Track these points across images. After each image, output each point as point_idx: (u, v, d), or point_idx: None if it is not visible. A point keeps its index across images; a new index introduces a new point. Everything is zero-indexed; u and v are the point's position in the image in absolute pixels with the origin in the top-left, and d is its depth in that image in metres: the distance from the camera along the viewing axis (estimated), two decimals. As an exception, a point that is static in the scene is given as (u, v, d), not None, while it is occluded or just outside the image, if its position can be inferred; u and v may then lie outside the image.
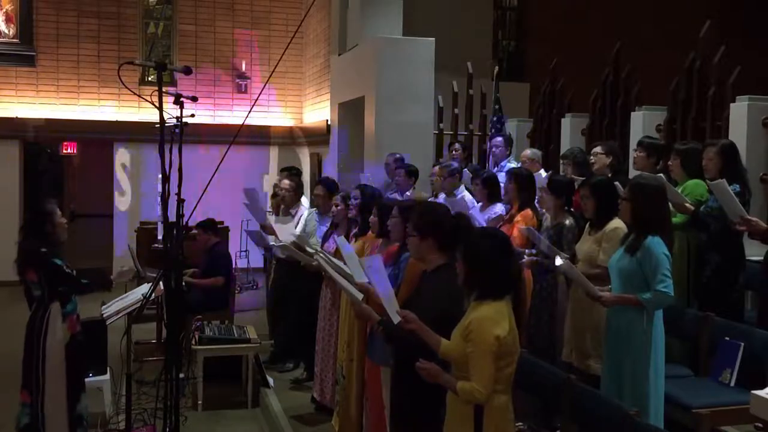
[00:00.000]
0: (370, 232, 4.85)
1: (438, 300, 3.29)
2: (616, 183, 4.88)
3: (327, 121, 11.02)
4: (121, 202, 12.28)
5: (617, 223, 4.32)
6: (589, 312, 4.30)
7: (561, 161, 6.21)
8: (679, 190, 4.90)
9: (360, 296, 3.73)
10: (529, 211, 5.32)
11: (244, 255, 11.61)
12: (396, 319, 3.21)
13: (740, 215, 4.25)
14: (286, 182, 6.99)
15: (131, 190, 12.20)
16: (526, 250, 4.87)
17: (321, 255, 4.68)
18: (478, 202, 6.04)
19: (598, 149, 5.71)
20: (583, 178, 4.92)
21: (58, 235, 4.83)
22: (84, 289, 4.95)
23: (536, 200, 5.53)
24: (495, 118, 8.59)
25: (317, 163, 11.84)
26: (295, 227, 6.53)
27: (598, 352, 4.29)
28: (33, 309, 4.76)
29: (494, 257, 3.02)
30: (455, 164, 6.81)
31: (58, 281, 4.72)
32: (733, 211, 4.28)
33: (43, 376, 4.66)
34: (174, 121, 4.01)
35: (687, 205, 4.74)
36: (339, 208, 5.50)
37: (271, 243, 6.89)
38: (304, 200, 7.19)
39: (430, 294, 3.38)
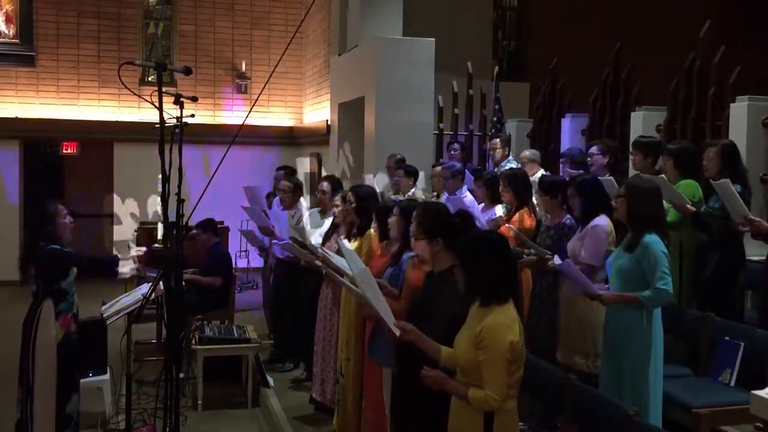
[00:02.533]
0: (368, 231, 4.85)
1: (451, 303, 3.24)
2: (611, 178, 4.89)
3: (327, 121, 11.02)
4: (121, 202, 12.28)
5: (599, 221, 4.37)
6: (574, 309, 4.33)
7: (560, 161, 6.22)
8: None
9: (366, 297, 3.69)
10: (526, 211, 5.32)
11: (244, 255, 11.61)
12: (396, 331, 3.18)
13: (744, 215, 4.25)
14: (284, 183, 6.98)
15: (131, 190, 12.20)
16: (525, 250, 4.86)
17: (323, 255, 4.68)
18: (479, 203, 6.04)
19: (594, 149, 5.73)
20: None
21: (61, 235, 4.82)
22: (86, 264, 4.92)
23: (535, 200, 5.53)
24: (495, 119, 8.60)
25: (317, 163, 11.84)
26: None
27: (584, 349, 4.31)
28: (29, 306, 4.76)
29: (494, 261, 2.98)
30: (458, 165, 6.81)
31: (57, 269, 4.72)
32: (737, 211, 4.27)
33: (33, 373, 4.65)
34: (174, 121, 4.01)
35: (688, 206, 4.74)
36: (340, 208, 5.49)
37: (271, 242, 6.88)
38: (303, 201, 7.18)
39: (442, 297, 3.33)
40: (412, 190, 7.01)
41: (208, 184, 4.26)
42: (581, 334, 4.37)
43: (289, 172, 7.59)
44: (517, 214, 5.33)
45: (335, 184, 6.22)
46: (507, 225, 5.03)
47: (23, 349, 4.73)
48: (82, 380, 5.19)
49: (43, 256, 4.69)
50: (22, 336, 4.74)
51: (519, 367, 2.95)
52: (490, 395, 2.85)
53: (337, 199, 5.55)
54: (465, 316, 3.06)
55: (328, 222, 5.95)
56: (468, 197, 6.33)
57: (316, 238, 5.89)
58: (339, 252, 4.58)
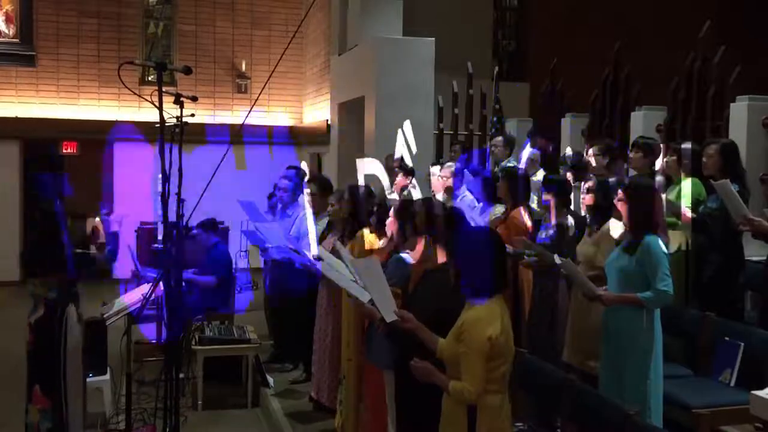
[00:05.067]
0: (359, 232, 4.83)
1: (438, 298, 3.26)
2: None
3: (327, 121, 11.02)
4: (121, 202, 12.27)
5: (613, 224, 4.34)
6: (589, 313, 4.30)
7: (560, 167, 6.22)
8: (677, 189, 4.91)
9: (367, 297, 3.70)
10: (521, 210, 5.30)
11: (245, 255, 11.59)
12: (391, 318, 3.19)
13: (743, 215, 4.25)
14: (284, 182, 7.00)
15: (131, 190, 12.19)
16: (527, 251, 4.86)
17: (322, 255, 4.68)
18: (478, 202, 6.03)
19: (593, 150, 5.73)
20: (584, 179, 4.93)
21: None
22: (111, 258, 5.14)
23: (531, 200, 5.52)
24: (495, 119, 8.60)
25: (317, 163, 11.84)
26: (291, 228, 6.52)
27: (599, 353, 4.29)
28: (44, 311, 4.72)
29: (483, 256, 2.99)
30: (457, 165, 6.80)
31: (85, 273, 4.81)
32: (737, 211, 4.27)
33: (65, 379, 4.65)
34: (174, 120, 4.00)
35: (684, 209, 4.74)
36: (335, 207, 5.48)
37: (267, 245, 6.87)
38: (303, 197, 7.16)
39: (430, 292, 3.35)
40: (409, 188, 7.00)
41: (208, 183, 4.26)
42: (597, 337, 4.33)
43: (301, 173, 7.57)
44: (511, 214, 5.30)
45: (323, 184, 6.22)
46: (516, 238, 5.00)
47: (43, 355, 4.67)
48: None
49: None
50: (41, 342, 4.70)
51: (503, 363, 2.96)
52: (466, 387, 2.89)
53: (332, 199, 5.55)
54: (456, 312, 3.08)
55: (322, 223, 5.95)
56: (467, 197, 6.32)
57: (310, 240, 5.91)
58: (334, 252, 4.58)
